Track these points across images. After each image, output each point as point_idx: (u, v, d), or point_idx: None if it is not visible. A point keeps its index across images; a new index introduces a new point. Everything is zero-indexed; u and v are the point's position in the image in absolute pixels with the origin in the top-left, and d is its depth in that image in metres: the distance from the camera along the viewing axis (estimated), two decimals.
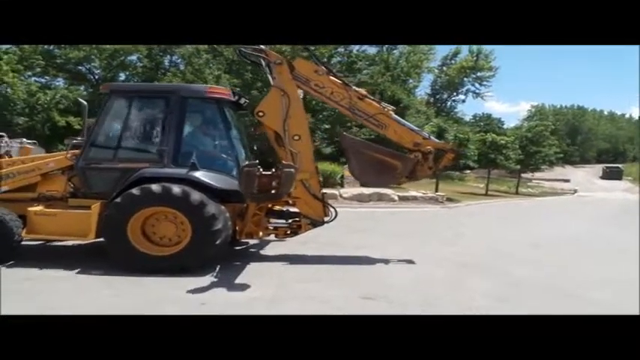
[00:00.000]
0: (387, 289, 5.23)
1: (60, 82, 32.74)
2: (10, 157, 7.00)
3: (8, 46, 27.89)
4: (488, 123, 54.82)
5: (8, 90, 24.83)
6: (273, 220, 6.88)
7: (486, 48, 41.63)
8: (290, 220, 6.82)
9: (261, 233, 6.59)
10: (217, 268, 5.86)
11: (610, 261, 7.64)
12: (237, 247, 7.41)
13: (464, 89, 43.85)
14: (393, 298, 4.92)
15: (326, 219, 6.79)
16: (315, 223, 6.71)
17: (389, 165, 6.58)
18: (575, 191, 36.70)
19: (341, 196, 16.27)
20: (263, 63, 6.91)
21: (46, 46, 29.53)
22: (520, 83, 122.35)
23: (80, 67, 31.91)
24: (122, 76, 33.37)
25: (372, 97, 6.90)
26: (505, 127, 49.67)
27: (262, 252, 7.33)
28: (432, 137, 6.99)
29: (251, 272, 5.92)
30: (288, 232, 6.85)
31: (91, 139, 6.14)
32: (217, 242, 5.61)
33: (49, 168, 6.33)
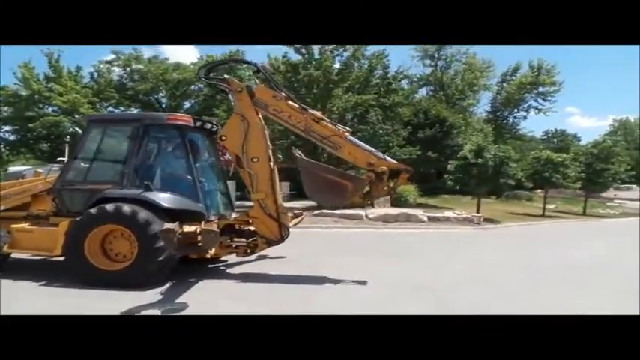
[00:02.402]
0: (309, 308, 5.29)
1: (135, 111, 35.93)
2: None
3: (87, 80, 31.42)
4: (562, 140, 51.53)
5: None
6: (236, 239, 7.20)
7: (548, 62, 39.38)
8: (250, 239, 7.08)
9: (213, 251, 6.87)
10: (168, 284, 6.24)
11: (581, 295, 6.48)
12: (211, 265, 7.79)
13: (525, 105, 41.56)
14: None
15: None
16: (270, 242, 6.92)
17: (340, 185, 6.62)
18: None
19: (367, 216, 16.18)
20: (227, 90, 7.35)
21: (119, 80, 32.78)
22: (609, 95, 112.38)
23: (149, 97, 34.84)
24: (186, 104, 35.98)
25: (328, 120, 7.02)
26: (583, 143, 46.31)
27: (229, 270, 7.61)
28: (387, 157, 6.92)
29: (193, 288, 6.21)
30: (248, 251, 7.11)
31: (68, 163, 6.92)
32: (160, 259, 5.99)
33: (38, 189, 7.17)
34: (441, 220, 16.52)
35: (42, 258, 7.74)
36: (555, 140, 50.90)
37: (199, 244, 5.52)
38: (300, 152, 7.37)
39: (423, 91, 39.92)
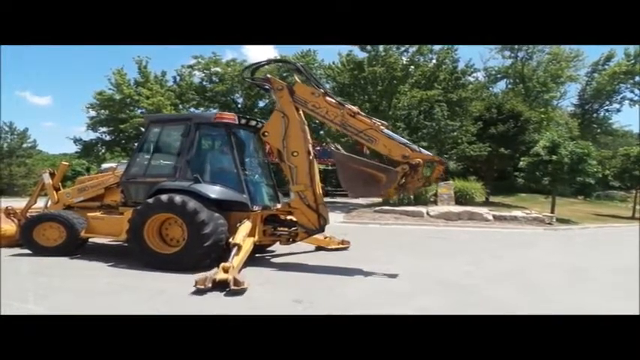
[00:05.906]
0: (327, 296, 5.57)
1: (215, 111, 38.00)
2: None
3: (170, 84, 33.88)
4: None
5: None
6: (280, 229, 7.65)
7: None
8: (291, 229, 7.50)
9: (257, 238, 7.25)
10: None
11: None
12: (258, 254, 8.27)
13: (619, 97, 37.74)
14: (319, 302, 5.27)
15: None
16: (310, 232, 7.28)
17: (374, 177, 6.75)
18: None
19: (428, 214, 15.98)
20: (270, 89, 7.79)
21: (199, 82, 34.93)
22: None
23: (226, 98, 36.77)
24: (261, 104, 37.49)
25: (364, 114, 7.18)
26: None
27: (274, 260, 8.06)
28: (422, 150, 6.93)
29: None
30: (290, 240, 7.53)
31: (132, 159, 7.79)
32: (206, 244, 6.56)
33: (110, 182, 8.13)
34: (508, 219, 15.76)
35: (118, 243, 8.77)
36: None
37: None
38: (338, 146, 7.63)
39: (502, 85, 38.06)
